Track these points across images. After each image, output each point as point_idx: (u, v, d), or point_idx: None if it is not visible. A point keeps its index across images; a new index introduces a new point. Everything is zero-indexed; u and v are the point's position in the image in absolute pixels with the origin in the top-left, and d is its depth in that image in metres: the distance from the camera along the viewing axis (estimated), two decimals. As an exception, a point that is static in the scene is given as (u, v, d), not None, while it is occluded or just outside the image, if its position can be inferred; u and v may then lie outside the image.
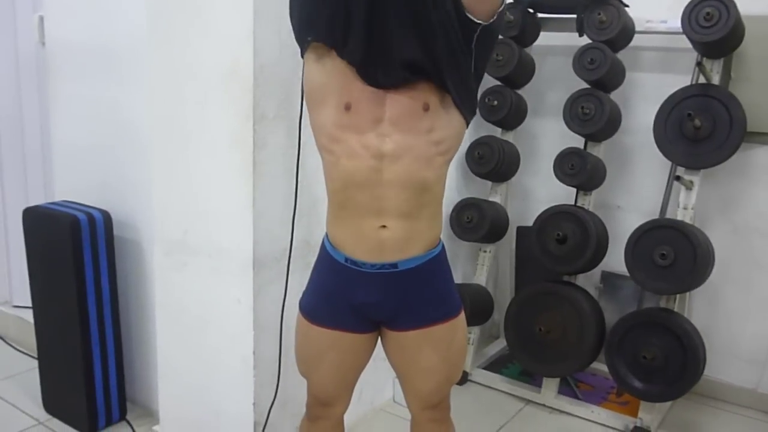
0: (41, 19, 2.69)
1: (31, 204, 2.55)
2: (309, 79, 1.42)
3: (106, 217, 2.39)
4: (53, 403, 2.56)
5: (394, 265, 1.47)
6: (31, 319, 2.60)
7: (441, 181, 1.48)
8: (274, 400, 2.10)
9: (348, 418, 1.79)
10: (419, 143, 1.37)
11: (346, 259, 1.48)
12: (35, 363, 2.64)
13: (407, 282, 1.50)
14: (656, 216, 2.72)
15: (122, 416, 2.52)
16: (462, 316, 1.61)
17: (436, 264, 1.53)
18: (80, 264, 2.31)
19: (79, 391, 2.41)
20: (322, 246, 1.56)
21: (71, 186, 2.67)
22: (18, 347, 3.07)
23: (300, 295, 1.62)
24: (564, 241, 2.60)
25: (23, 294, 2.89)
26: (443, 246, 1.56)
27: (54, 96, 2.70)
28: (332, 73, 1.36)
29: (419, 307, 1.52)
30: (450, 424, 1.74)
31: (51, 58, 2.66)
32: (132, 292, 2.53)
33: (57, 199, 2.63)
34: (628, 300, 2.97)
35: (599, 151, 2.78)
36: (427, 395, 1.64)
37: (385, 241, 1.44)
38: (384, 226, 1.43)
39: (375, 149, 1.36)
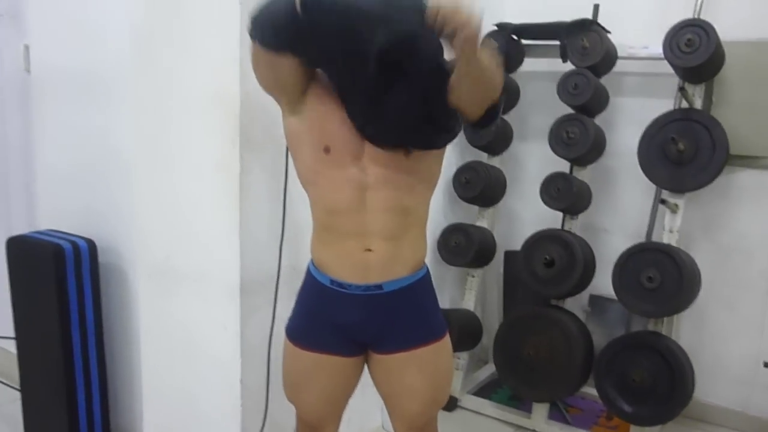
0: (26, 47, 2.69)
1: (14, 232, 2.52)
2: (286, 126, 1.48)
3: (91, 245, 2.36)
4: (35, 435, 2.51)
5: (379, 287, 1.48)
6: (14, 350, 2.55)
7: (424, 205, 1.52)
8: (262, 428, 2.07)
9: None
10: (400, 175, 1.42)
11: (332, 281, 1.50)
12: (18, 394, 2.58)
13: (392, 303, 1.50)
14: (642, 238, 2.74)
15: (106, 447, 2.47)
16: (447, 339, 1.61)
17: (421, 286, 1.54)
18: (64, 293, 2.28)
19: (62, 422, 2.36)
20: (307, 271, 1.57)
21: (55, 213, 2.64)
22: (0, 379, 3.02)
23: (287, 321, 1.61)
24: (551, 265, 2.60)
25: (6, 324, 2.84)
26: (428, 269, 1.58)
27: (39, 123, 2.69)
28: (309, 119, 1.42)
29: (404, 329, 1.52)
30: None
31: (36, 86, 2.66)
32: (117, 318, 2.50)
33: (41, 227, 2.60)
34: (616, 323, 2.97)
35: (585, 174, 2.80)
36: (412, 417, 1.63)
37: (370, 262, 1.46)
38: (369, 250, 1.46)
39: (357, 181, 1.41)
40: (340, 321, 1.50)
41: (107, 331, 2.46)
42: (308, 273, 1.56)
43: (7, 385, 2.93)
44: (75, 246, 2.31)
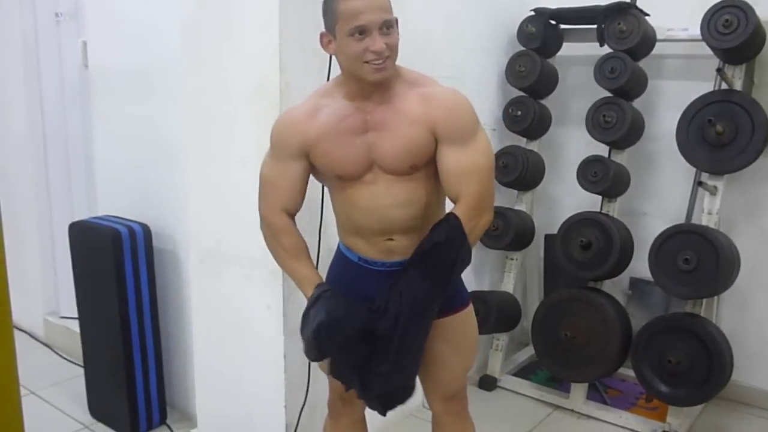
0: (84, 44, 2.85)
1: (77, 219, 2.70)
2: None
3: (146, 229, 2.51)
4: (98, 408, 2.69)
5: (402, 264, 1.58)
6: (77, 329, 2.74)
7: (442, 196, 1.64)
8: (304, 402, 2.18)
9: (377, 423, 1.86)
10: (409, 176, 1.56)
11: (359, 258, 1.65)
12: (81, 370, 2.77)
13: None
14: (682, 222, 2.74)
15: (162, 420, 2.63)
16: (470, 308, 1.75)
17: None
18: (122, 275, 2.44)
19: (121, 397, 2.53)
20: (338, 249, 1.73)
21: (113, 201, 2.81)
22: (65, 356, 3.22)
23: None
24: (588, 248, 2.63)
25: (70, 305, 3.04)
26: None
27: (96, 116, 2.86)
28: (319, 162, 1.59)
29: None
30: (469, 420, 1.81)
31: (93, 80, 2.83)
32: (171, 300, 2.65)
33: (100, 213, 2.77)
34: (656, 306, 2.97)
35: (623, 158, 2.81)
36: (444, 385, 1.74)
37: (393, 248, 1.61)
38: (391, 239, 1.60)
39: (371, 187, 1.56)
40: (367, 293, 1.60)
41: (162, 312, 2.62)
42: (338, 250, 1.73)
43: (72, 362, 3.13)
44: (131, 230, 2.46)
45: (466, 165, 1.53)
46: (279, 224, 1.64)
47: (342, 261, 1.71)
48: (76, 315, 2.73)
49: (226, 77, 2.13)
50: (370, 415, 2.20)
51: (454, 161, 1.53)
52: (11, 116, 3.30)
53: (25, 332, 3.48)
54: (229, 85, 2.13)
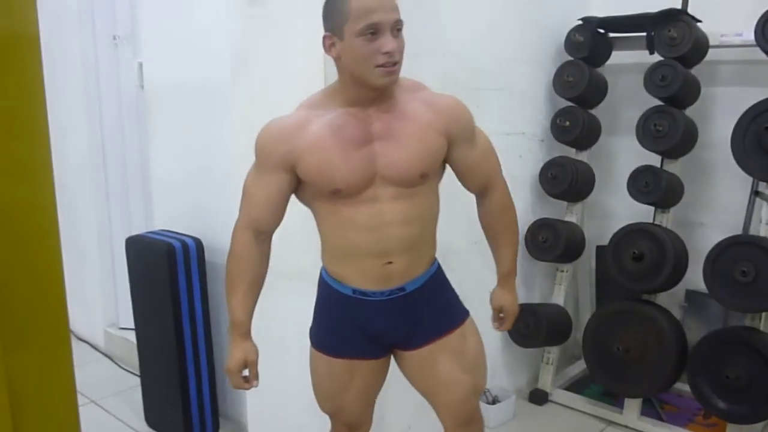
0: (140, 65, 2.96)
1: (134, 233, 2.79)
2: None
3: (199, 244, 2.58)
4: (154, 417, 2.77)
5: (402, 289, 1.57)
6: (134, 340, 2.83)
7: (436, 206, 1.61)
8: (351, 415, 2.19)
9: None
10: (411, 189, 1.51)
11: (354, 291, 1.57)
12: (139, 380, 2.86)
13: (415, 301, 1.59)
14: (740, 232, 2.66)
15: (215, 430, 2.69)
16: (470, 321, 1.68)
17: (437, 278, 1.64)
18: (175, 287, 2.51)
19: (176, 406, 2.60)
20: (322, 282, 1.65)
21: (168, 215, 2.90)
22: (124, 366, 3.33)
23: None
24: (640, 259, 2.58)
25: (128, 316, 3.13)
26: (438, 262, 1.67)
27: (152, 134, 2.96)
28: (310, 172, 1.51)
29: (429, 321, 1.60)
30: None
31: (149, 100, 2.93)
32: (223, 312, 2.70)
33: (156, 227, 2.86)
34: (714, 319, 2.88)
35: (676, 167, 2.75)
36: (455, 408, 1.67)
37: (392, 273, 1.54)
38: (390, 263, 1.53)
39: (373, 196, 1.48)
40: (368, 328, 1.57)
41: (214, 324, 2.68)
42: (324, 284, 1.64)
43: (130, 372, 3.23)
44: (184, 245, 2.53)
45: (483, 151, 1.61)
46: (238, 244, 1.57)
47: (332, 297, 1.62)
48: (133, 326, 2.82)
49: (274, 96, 2.18)
50: (416, 430, 2.20)
51: (472, 155, 1.58)
52: (73, 135, 3.43)
53: (87, 343, 3.62)
54: (277, 103, 2.15)
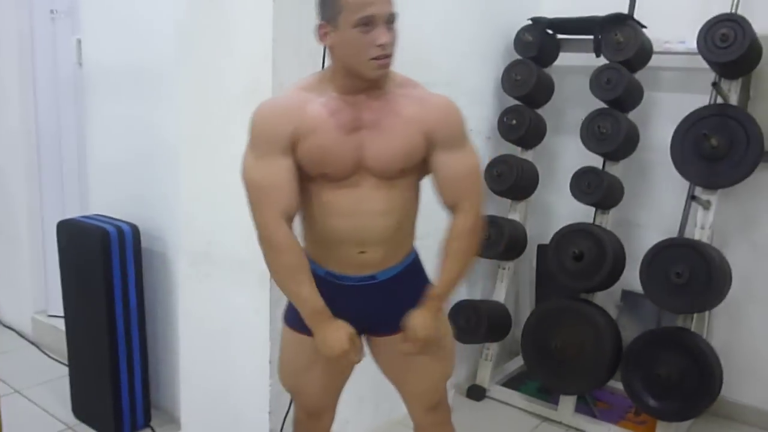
0: (79, 42, 2.84)
1: (67, 217, 2.68)
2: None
3: (135, 230, 2.49)
4: (82, 408, 2.67)
5: (373, 277, 1.57)
6: (64, 328, 2.71)
7: (415, 199, 1.60)
8: (289, 408, 2.15)
9: (364, 430, 1.84)
10: (392, 181, 1.51)
11: (326, 273, 1.57)
12: (66, 370, 2.75)
13: (386, 290, 1.59)
14: (676, 235, 2.73)
15: (147, 422, 2.61)
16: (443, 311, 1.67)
17: (412, 269, 1.63)
18: (109, 275, 2.42)
19: (106, 397, 2.51)
20: None
21: (105, 200, 2.79)
22: (52, 355, 3.20)
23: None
24: (580, 259, 2.62)
25: (59, 304, 3.01)
26: (416, 253, 1.66)
27: (90, 114, 2.84)
28: (306, 157, 1.48)
29: (399, 310, 1.58)
30: (452, 429, 1.78)
31: (87, 79, 2.81)
32: (159, 301, 2.63)
33: (92, 212, 2.75)
34: (648, 319, 2.96)
35: (617, 169, 2.80)
36: (424, 395, 1.70)
37: (366, 261, 1.55)
38: (363, 252, 1.53)
39: (356, 184, 1.49)
40: (336, 309, 1.55)
41: (150, 313, 2.60)
42: None
43: (58, 361, 3.11)
44: (119, 230, 2.44)
45: (466, 168, 1.53)
46: (280, 238, 1.47)
47: None
48: (63, 314, 2.71)
49: (221, 77, 2.12)
50: (354, 424, 2.19)
51: (452, 166, 1.51)
52: (5, 113, 3.28)
53: (14, 330, 3.47)
54: (224, 85, 2.12)
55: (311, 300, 1.51)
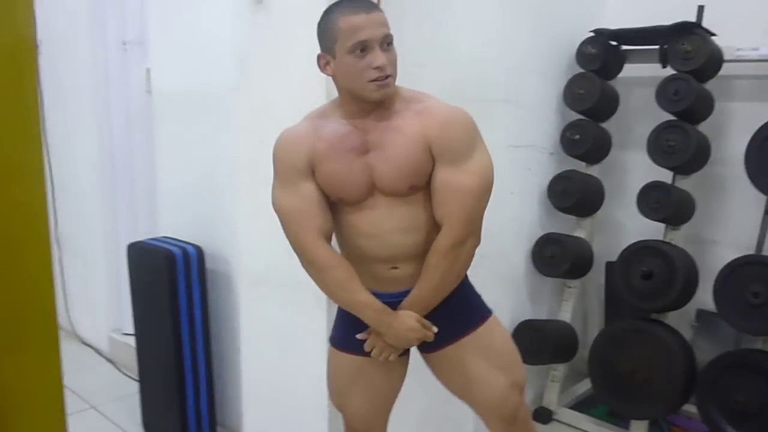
0: (148, 71, 2.96)
1: (139, 239, 2.78)
2: None
3: (199, 252, 2.56)
4: (151, 424, 2.75)
5: (409, 293, 1.56)
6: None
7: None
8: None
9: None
10: (408, 198, 1.52)
11: (368, 290, 1.57)
12: (138, 387, 2.84)
13: None
14: (753, 252, 2.59)
15: (212, 439, 2.66)
16: (494, 319, 1.65)
17: None
18: (175, 295, 2.49)
19: (173, 414, 2.57)
20: None
21: (172, 222, 2.89)
22: (126, 372, 3.31)
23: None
24: (649, 277, 2.52)
25: (131, 322, 3.12)
26: None
27: (158, 140, 2.95)
28: (322, 183, 1.54)
29: (444, 323, 1.57)
30: None
31: (156, 106, 2.92)
32: (223, 322, 2.69)
33: (160, 234, 2.85)
34: (726, 340, 2.80)
35: (688, 183, 2.68)
36: (495, 406, 1.63)
37: (399, 277, 1.56)
38: (395, 268, 1.55)
39: (373, 205, 1.51)
40: None
41: (214, 332, 2.66)
42: None
43: (132, 378, 3.21)
44: (185, 252, 2.51)
45: (454, 186, 1.48)
46: (323, 256, 1.52)
47: None
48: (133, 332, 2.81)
49: (276, 104, 2.16)
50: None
51: (441, 181, 1.48)
52: (82, 139, 3.45)
53: (92, 347, 3.61)
54: (279, 111, 2.15)
55: (371, 302, 1.53)
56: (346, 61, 1.42)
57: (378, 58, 1.40)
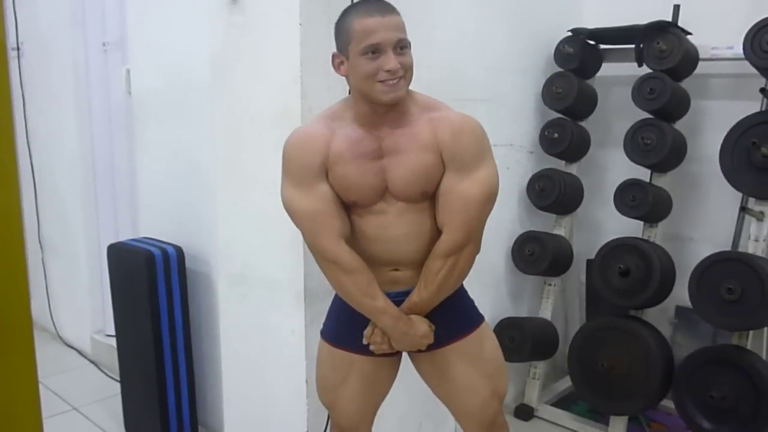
0: (128, 71, 2.96)
1: (120, 239, 2.78)
2: None
3: (179, 252, 2.56)
4: (133, 426, 2.74)
5: (408, 293, 1.57)
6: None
7: None
8: (326, 428, 2.16)
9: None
10: (417, 205, 1.53)
11: None
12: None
13: None
14: (729, 248, 2.61)
15: (193, 439, 2.66)
16: (485, 326, 1.67)
17: None
18: (155, 296, 2.49)
19: (154, 415, 2.57)
20: None
21: (153, 223, 2.89)
22: (109, 373, 3.31)
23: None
24: (627, 275, 2.54)
25: (110, 323, 3.12)
26: None
27: (138, 140, 2.95)
28: (336, 185, 1.54)
29: (439, 326, 1.58)
30: None
31: (136, 107, 2.92)
32: (204, 321, 2.69)
33: (141, 235, 2.85)
34: (704, 336, 2.83)
35: (665, 181, 2.71)
36: (475, 413, 1.65)
37: (398, 278, 1.58)
38: (396, 270, 1.57)
39: (383, 210, 1.53)
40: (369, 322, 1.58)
41: (195, 333, 2.66)
42: None
43: (115, 379, 3.21)
44: (164, 252, 2.51)
45: (458, 193, 1.49)
46: (347, 259, 1.51)
47: None
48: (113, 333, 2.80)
49: (253, 102, 2.17)
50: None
51: (446, 187, 1.50)
52: (64, 140, 3.44)
53: (75, 349, 3.60)
54: (255, 111, 2.16)
55: (389, 309, 1.54)
56: (358, 63, 1.43)
57: (389, 61, 1.40)
